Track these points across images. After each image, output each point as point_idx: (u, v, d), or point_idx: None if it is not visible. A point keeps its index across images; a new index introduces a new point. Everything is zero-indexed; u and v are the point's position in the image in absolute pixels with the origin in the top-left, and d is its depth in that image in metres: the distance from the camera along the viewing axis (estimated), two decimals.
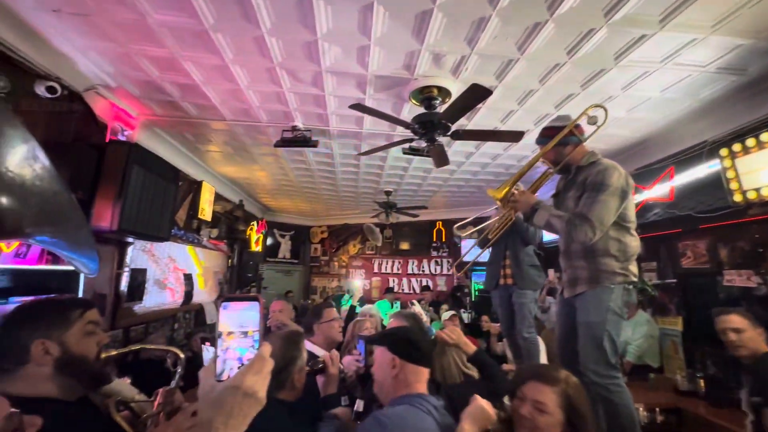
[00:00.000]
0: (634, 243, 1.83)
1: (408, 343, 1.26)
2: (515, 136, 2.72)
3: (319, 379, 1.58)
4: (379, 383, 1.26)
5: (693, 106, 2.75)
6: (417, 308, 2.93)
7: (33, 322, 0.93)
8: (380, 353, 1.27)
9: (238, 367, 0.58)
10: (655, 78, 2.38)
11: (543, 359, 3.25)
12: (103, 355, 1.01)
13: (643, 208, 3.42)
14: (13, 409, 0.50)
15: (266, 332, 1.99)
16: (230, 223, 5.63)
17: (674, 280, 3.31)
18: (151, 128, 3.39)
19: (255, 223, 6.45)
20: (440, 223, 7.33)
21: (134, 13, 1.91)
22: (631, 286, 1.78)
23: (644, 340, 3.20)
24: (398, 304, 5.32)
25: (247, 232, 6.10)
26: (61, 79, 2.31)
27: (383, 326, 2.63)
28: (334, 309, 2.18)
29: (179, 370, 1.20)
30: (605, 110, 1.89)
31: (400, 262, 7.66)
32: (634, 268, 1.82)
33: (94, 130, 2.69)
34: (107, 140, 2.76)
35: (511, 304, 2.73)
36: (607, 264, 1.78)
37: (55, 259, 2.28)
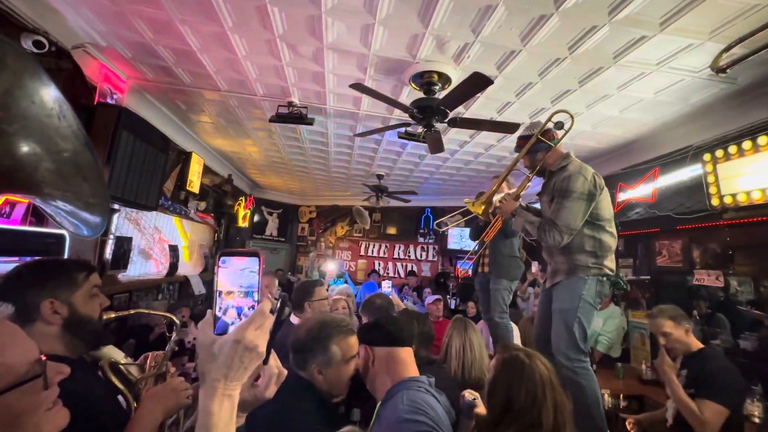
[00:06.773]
0: (609, 239, 1.92)
1: (373, 328, 1.19)
2: (510, 128, 2.76)
3: None
4: (366, 378, 1.19)
5: (683, 110, 2.84)
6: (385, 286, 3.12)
7: (40, 281, 0.93)
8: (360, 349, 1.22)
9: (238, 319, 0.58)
10: (650, 80, 2.44)
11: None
12: (105, 317, 1.03)
13: (626, 207, 3.54)
14: (42, 356, 0.51)
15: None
16: (218, 197, 5.54)
17: (648, 277, 3.47)
18: (142, 93, 3.27)
19: (243, 198, 6.37)
20: (429, 210, 7.40)
21: None
22: (605, 279, 1.88)
23: (616, 333, 3.37)
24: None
25: (235, 208, 6.02)
26: (49, 34, 2.19)
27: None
28: (325, 288, 2.22)
29: (174, 336, 1.23)
30: (571, 115, 1.98)
31: (386, 246, 7.73)
32: (609, 262, 1.91)
33: (83, 91, 2.58)
34: (95, 102, 2.66)
35: (488, 290, 2.87)
36: (581, 260, 1.89)
37: (40, 221, 2.23)
